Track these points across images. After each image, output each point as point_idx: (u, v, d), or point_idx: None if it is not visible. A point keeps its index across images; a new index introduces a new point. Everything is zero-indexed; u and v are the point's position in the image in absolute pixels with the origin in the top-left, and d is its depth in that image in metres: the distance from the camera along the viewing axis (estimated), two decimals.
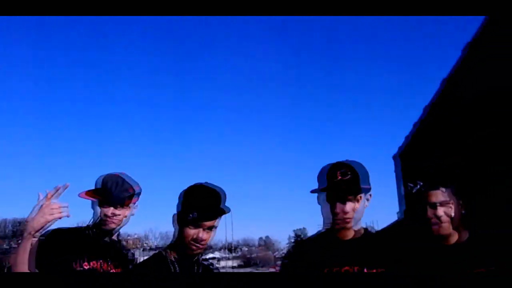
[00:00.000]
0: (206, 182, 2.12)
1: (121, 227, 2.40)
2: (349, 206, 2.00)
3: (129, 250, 2.60)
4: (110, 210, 2.29)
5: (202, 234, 2.00)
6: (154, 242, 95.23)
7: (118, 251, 2.43)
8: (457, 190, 2.10)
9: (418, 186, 2.09)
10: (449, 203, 2.04)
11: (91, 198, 2.33)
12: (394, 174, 28.25)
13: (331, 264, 1.98)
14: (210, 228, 2.03)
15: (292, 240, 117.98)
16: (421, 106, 20.86)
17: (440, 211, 2.02)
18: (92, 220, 2.34)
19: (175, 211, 2.12)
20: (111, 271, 2.31)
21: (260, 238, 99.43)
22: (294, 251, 2.24)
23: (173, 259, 2.07)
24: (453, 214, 2.02)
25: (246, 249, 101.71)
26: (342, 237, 2.05)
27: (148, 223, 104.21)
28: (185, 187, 2.10)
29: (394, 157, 29.79)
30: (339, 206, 2.00)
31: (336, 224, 2.03)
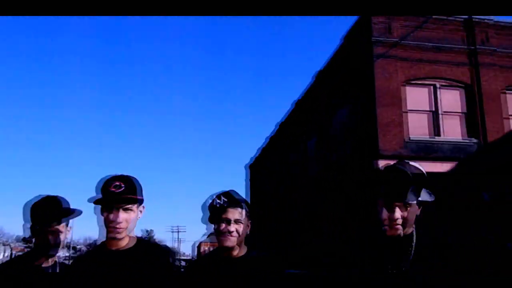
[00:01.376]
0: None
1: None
2: (122, 216, 2.16)
3: None
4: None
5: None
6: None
7: None
8: (249, 212, 2.41)
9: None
10: (241, 221, 2.33)
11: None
12: (244, 183, 28.50)
13: None
14: (53, 232, 2.37)
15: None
16: (275, 122, 21.80)
17: (233, 227, 2.29)
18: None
19: None
20: None
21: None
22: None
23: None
24: (241, 232, 2.32)
25: (85, 248, 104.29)
26: None
27: None
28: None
29: (245, 167, 30.47)
30: (112, 215, 2.16)
31: (109, 232, 2.20)
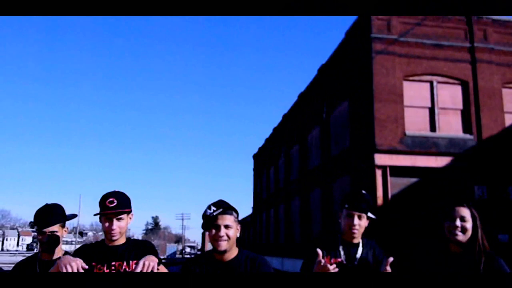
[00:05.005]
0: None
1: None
2: (116, 224, 2.83)
3: None
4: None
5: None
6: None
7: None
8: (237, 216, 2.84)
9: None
10: (231, 226, 2.73)
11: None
12: (252, 172, 29.35)
13: None
14: (52, 233, 3.01)
15: (150, 227, 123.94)
16: (282, 113, 21.96)
17: (223, 232, 2.73)
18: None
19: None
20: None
21: None
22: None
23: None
24: (231, 236, 2.72)
25: (92, 233, 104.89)
26: None
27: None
28: None
29: (253, 156, 31.54)
30: (108, 224, 2.82)
31: (107, 236, 2.88)
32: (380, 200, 12.79)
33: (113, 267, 2.76)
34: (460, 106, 14.00)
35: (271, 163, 28.56)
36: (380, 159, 13.03)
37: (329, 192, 17.09)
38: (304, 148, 21.01)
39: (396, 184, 13.05)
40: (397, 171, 13.05)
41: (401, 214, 12.75)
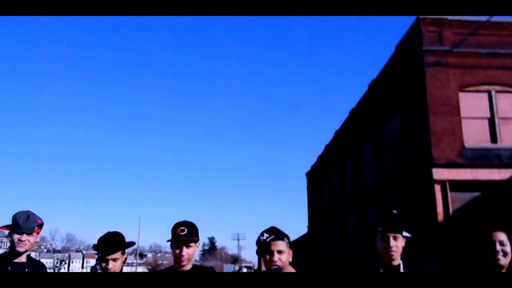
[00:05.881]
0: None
1: (30, 250, 3.48)
2: (185, 251, 3.13)
3: (40, 264, 3.68)
4: (19, 237, 3.35)
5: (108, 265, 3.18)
6: (57, 243, 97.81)
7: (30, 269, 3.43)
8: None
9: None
10: (283, 251, 2.89)
11: (5, 229, 3.43)
12: (306, 190, 28.57)
13: None
14: (114, 260, 3.17)
15: (206, 248, 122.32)
16: (333, 130, 21.32)
17: (276, 257, 2.88)
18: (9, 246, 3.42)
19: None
20: None
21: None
22: None
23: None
24: (284, 260, 2.87)
25: (151, 255, 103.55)
26: None
27: (52, 223, 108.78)
28: None
29: (306, 174, 30.42)
30: (178, 251, 3.11)
31: (176, 262, 3.15)
32: (440, 217, 12.36)
33: None
34: None
35: (325, 180, 28.34)
36: (439, 173, 12.65)
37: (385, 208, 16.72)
38: (357, 164, 20.75)
39: (457, 199, 12.58)
40: (458, 185, 12.59)
41: (464, 230, 12.26)
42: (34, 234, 3.46)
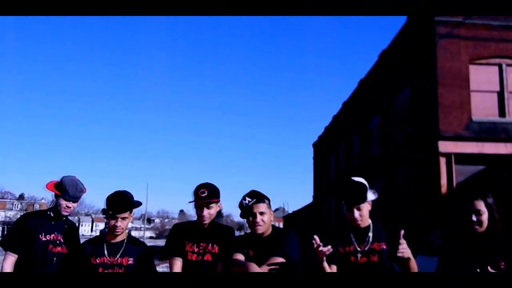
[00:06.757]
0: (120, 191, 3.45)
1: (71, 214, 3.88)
2: (206, 211, 3.37)
3: (76, 227, 4.05)
4: (66, 203, 3.70)
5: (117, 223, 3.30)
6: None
7: (70, 229, 3.82)
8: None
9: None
10: (265, 212, 3.19)
11: (54, 191, 3.73)
12: (312, 160, 28.59)
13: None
14: (123, 218, 3.30)
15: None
16: (342, 100, 20.86)
17: (259, 218, 3.19)
18: (52, 205, 3.85)
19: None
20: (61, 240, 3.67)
21: (181, 211, 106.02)
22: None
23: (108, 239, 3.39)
24: (266, 220, 3.18)
25: (159, 220, 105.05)
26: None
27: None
28: None
29: (313, 145, 30.36)
30: (199, 211, 3.37)
31: (199, 220, 3.43)
32: (444, 189, 12.47)
33: (201, 248, 3.34)
34: None
35: (332, 151, 28.41)
36: (445, 146, 12.67)
37: (391, 181, 16.84)
38: (365, 136, 20.75)
39: (462, 172, 12.66)
40: (463, 158, 12.64)
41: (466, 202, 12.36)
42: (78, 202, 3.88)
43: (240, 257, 3.11)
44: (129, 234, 3.51)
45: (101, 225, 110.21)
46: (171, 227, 3.70)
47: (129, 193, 3.44)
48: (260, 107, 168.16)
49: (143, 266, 3.36)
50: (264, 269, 2.97)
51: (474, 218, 2.86)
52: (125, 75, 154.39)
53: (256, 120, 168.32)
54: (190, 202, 3.35)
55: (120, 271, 3.27)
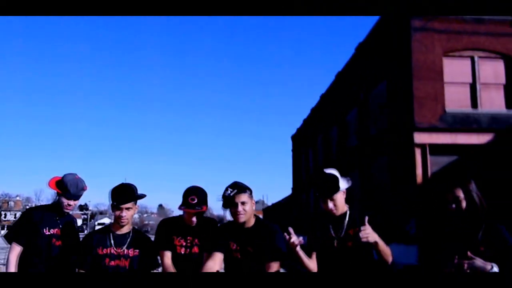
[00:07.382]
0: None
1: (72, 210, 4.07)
2: (194, 217, 3.50)
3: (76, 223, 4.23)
4: (68, 202, 3.89)
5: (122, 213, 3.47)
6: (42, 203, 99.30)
7: (69, 224, 4.00)
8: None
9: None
10: (247, 202, 3.30)
11: (56, 190, 3.90)
12: (291, 153, 28.92)
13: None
14: (128, 209, 3.47)
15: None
16: (319, 93, 21.18)
17: (241, 208, 3.29)
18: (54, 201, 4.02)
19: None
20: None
21: (160, 206, 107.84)
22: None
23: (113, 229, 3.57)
24: (248, 210, 3.29)
25: (137, 215, 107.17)
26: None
27: (36, 184, 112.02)
28: None
29: (292, 137, 30.86)
30: (188, 216, 3.52)
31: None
32: (419, 179, 12.79)
33: (188, 242, 3.51)
34: (503, 81, 13.65)
35: (310, 144, 28.68)
36: (420, 137, 12.98)
37: (368, 172, 17.14)
38: (342, 128, 21.02)
39: (436, 162, 12.99)
40: (437, 149, 12.97)
41: (439, 191, 12.71)
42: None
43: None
44: (133, 227, 3.68)
45: (79, 221, 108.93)
46: (151, 222, 3.79)
47: (133, 185, 3.60)
48: (238, 100, 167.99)
49: (147, 257, 3.54)
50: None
51: (453, 206, 2.91)
52: (98, 70, 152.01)
53: (234, 114, 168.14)
54: (180, 208, 3.51)
55: (125, 261, 3.45)
